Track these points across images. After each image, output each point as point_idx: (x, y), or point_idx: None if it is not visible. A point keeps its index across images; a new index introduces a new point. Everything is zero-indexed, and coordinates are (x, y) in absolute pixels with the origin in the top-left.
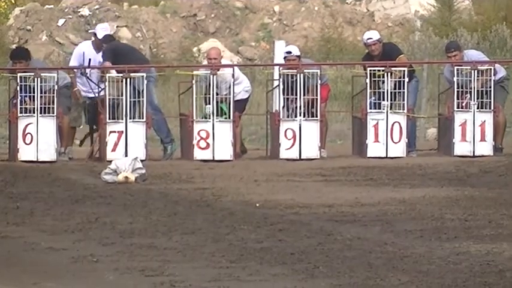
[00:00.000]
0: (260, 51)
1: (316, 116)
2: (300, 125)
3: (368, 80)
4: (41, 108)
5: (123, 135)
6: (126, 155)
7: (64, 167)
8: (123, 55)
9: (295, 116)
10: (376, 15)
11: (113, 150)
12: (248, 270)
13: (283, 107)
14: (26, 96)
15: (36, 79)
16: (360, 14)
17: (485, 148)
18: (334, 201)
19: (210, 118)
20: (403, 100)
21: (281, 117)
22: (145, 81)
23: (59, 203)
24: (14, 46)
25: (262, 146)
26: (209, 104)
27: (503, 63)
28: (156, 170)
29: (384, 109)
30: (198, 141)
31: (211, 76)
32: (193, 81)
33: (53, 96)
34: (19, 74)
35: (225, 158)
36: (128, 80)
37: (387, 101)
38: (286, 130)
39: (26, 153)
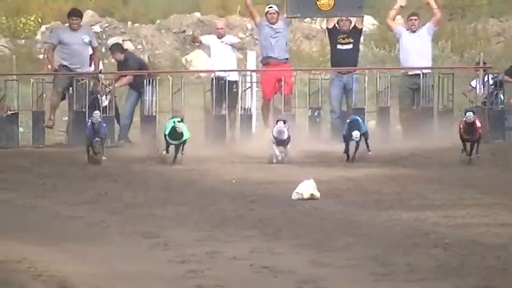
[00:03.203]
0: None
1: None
2: None
3: None
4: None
5: None
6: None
7: (80, 152)
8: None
9: None
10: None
11: None
12: (226, 233)
13: None
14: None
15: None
16: (315, 30)
17: None
18: (295, 179)
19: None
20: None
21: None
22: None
23: (77, 180)
24: (40, 56)
25: None
26: (173, 140)
27: (462, 69)
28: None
29: None
30: None
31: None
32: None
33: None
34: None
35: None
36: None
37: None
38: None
39: None
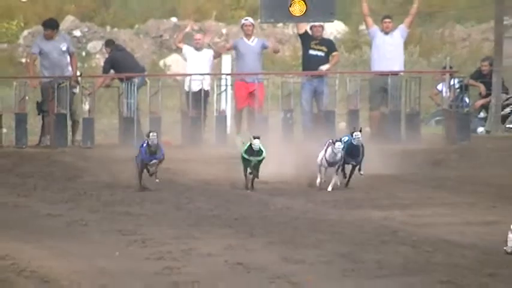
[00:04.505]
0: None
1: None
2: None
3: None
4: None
5: None
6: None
7: (60, 152)
8: (120, 64)
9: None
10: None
11: None
12: (202, 231)
13: None
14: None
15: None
16: (287, 35)
17: None
18: (269, 179)
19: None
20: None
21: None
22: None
23: (56, 180)
24: (22, 60)
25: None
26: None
27: (429, 73)
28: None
29: None
30: None
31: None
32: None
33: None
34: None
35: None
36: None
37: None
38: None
39: None
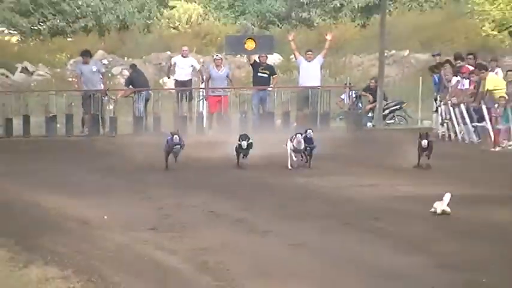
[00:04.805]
0: (194, 82)
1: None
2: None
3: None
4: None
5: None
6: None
7: (94, 140)
8: (135, 82)
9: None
10: None
11: None
12: (187, 192)
13: None
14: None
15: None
16: (243, 63)
17: None
18: (231, 157)
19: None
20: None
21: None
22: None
23: (92, 157)
24: (69, 79)
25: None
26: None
27: (336, 87)
28: (142, 141)
29: None
30: None
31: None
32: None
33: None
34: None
35: None
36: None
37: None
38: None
39: None
